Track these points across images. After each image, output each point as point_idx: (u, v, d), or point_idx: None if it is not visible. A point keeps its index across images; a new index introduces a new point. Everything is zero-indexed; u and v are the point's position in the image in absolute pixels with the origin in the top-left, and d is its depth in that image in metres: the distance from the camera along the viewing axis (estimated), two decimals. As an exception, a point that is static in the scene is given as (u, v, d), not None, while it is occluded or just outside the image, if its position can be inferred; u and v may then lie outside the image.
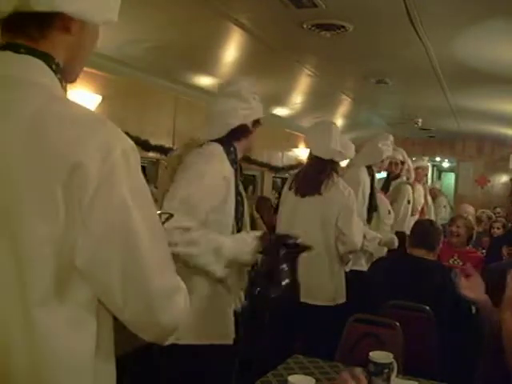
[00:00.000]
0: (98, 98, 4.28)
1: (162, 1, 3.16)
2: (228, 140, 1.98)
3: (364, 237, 3.14)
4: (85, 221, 0.85)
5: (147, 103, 4.96)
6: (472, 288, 1.93)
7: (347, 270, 3.13)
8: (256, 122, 2.05)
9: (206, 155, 1.92)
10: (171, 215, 1.19)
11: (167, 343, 1.01)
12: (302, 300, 2.81)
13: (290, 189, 3.06)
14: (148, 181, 2.54)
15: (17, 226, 0.85)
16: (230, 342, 1.93)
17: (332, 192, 2.92)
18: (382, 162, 3.84)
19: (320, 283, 2.89)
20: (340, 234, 2.91)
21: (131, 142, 0.92)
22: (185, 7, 3.24)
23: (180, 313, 0.97)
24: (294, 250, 1.80)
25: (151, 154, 5.01)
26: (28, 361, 0.86)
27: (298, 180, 3.07)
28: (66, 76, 0.99)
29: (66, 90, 0.99)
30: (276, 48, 4.11)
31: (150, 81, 4.91)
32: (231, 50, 4.30)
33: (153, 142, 4.96)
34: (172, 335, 0.99)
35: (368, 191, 3.60)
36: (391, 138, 3.90)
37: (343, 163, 3.58)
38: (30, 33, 0.92)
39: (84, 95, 4.21)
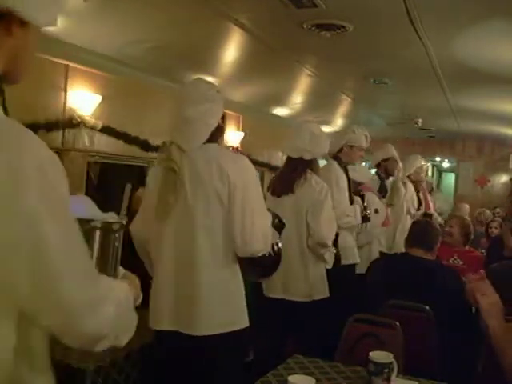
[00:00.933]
0: (98, 98, 4.28)
1: (162, 1, 3.16)
2: (215, 140, 2.13)
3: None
4: None
5: (147, 103, 4.96)
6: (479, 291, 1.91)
7: (328, 266, 3.14)
8: (223, 117, 2.19)
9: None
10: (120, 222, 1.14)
11: (98, 349, 0.99)
12: (280, 296, 2.93)
13: (267, 190, 3.13)
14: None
15: None
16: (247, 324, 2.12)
17: (304, 189, 2.99)
18: (345, 152, 3.73)
19: (295, 280, 2.97)
20: (309, 228, 2.96)
21: (50, 153, 0.91)
22: (185, 7, 3.24)
23: (105, 322, 0.96)
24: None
25: (151, 154, 5.01)
26: None
27: (274, 181, 3.19)
28: (9, 79, 0.98)
29: (4, 97, 0.97)
30: (276, 48, 4.11)
31: (149, 81, 4.91)
32: (231, 50, 4.30)
33: (152, 141, 4.97)
34: (99, 344, 0.98)
35: (344, 182, 3.61)
36: (355, 128, 3.85)
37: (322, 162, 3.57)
38: None
39: (84, 95, 4.21)
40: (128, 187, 1.33)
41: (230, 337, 2.04)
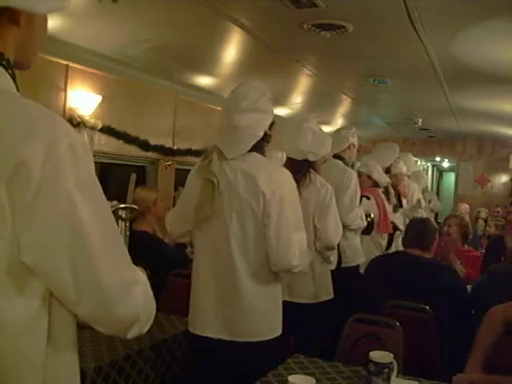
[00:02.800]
0: (98, 98, 4.28)
1: (162, 1, 3.16)
2: (260, 150, 2.16)
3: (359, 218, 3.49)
4: (28, 218, 0.85)
5: (147, 103, 4.96)
6: None
7: (332, 267, 3.15)
8: (271, 124, 2.19)
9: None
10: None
11: (130, 336, 0.99)
12: (286, 299, 2.92)
13: None
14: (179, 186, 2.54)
15: None
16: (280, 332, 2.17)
17: (309, 191, 2.96)
18: (350, 149, 3.87)
19: (302, 282, 2.95)
20: (316, 231, 2.94)
21: (81, 138, 0.93)
22: (185, 7, 3.24)
23: (138, 306, 0.96)
24: None
25: (151, 154, 5.01)
26: None
27: None
28: (20, 66, 1.00)
29: (17, 86, 0.98)
30: (276, 48, 4.11)
31: (149, 81, 4.91)
32: (231, 50, 4.30)
33: (153, 141, 4.97)
34: (133, 328, 0.98)
35: (357, 181, 3.65)
36: (354, 128, 3.98)
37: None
38: None
39: (84, 95, 4.21)
40: (133, 177, 1.34)
41: (269, 344, 2.09)
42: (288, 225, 2.07)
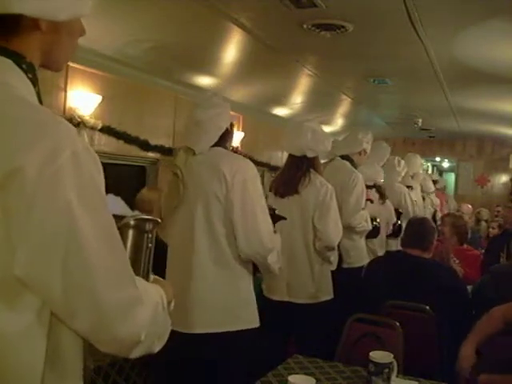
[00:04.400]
0: (98, 98, 4.28)
1: (162, 1, 3.16)
2: (223, 145, 2.25)
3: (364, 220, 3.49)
4: (22, 229, 0.81)
5: (147, 103, 4.96)
6: None
7: (333, 268, 3.15)
8: (232, 125, 2.33)
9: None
10: (152, 219, 1.09)
11: (133, 356, 0.93)
12: (286, 299, 2.89)
13: (270, 190, 3.11)
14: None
15: None
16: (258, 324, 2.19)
17: (308, 190, 2.97)
18: (360, 154, 3.86)
19: (301, 282, 2.96)
20: (316, 231, 2.95)
21: (85, 144, 0.90)
22: (185, 7, 3.24)
23: (141, 327, 0.90)
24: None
25: (151, 154, 5.01)
26: None
27: (276, 181, 3.15)
28: (50, 67, 1.00)
29: (38, 89, 0.98)
30: (276, 48, 4.11)
31: (150, 81, 4.91)
32: (231, 50, 4.30)
33: (153, 141, 4.96)
34: (136, 349, 0.92)
35: (363, 182, 3.65)
36: (371, 134, 3.97)
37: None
38: (0, 31, 0.91)
39: (84, 95, 4.21)
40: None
41: (229, 336, 2.07)
42: (253, 207, 2.10)
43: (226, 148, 2.28)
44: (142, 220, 1.03)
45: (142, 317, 0.90)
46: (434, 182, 6.67)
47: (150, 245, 1.05)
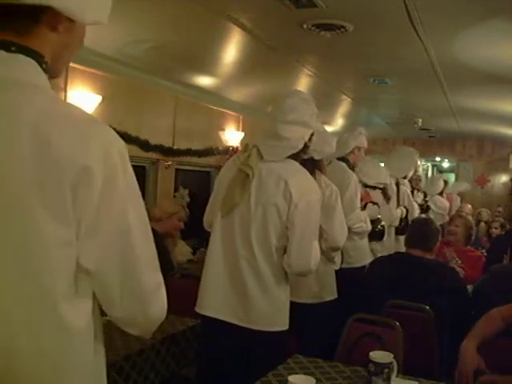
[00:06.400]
0: (98, 98, 4.28)
1: (163, 1, 3.16)
2: (296, 158, 2.26)
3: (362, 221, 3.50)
4: (91, 223, 0.87)
5: (147, 103, 4.96)
6: None
7: (336, 268, 3.15)
8: (311, 136, 2.30)
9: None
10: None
11: (149, 337, 1.07)
12: (290, 299, 2.92)
13: None
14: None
15: (28, 229, 0.85)
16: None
17: None
18: (354, 152, 3.85)
19: (305, 281, 2.94)
20: (322, 232, 2.94)
21: (123, 143, 0.96)
22: (185, 7, 3.24)
23: (164, 306, 1.01)
24: None
25: (151, 154, 5.01)
26: (44, 362, 0.88)
27: None
28: (52, 72, 1.00)
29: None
30: (276, 48, 4.11)
31: (150, 81, 4.91)
32: (231, 50, 4.30)
33: (153, 141, 4.97)
34: (155, 328, 1.03)
35: (357, 182, 3.65)
36: (361, 130, 3.95)
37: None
38: (18, 28, 0.90)
39: (84, 95, 4.21)
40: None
41: (271, 336, 2.17)
42: (310, 232, 2.17)
43: (299, 159, 2.28)
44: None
45: (165, 297, 1.01)
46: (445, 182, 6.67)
47: None
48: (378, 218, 3.89)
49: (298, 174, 2.23)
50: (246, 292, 2.16)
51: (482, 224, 6.90)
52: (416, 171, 5.38)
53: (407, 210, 4.67)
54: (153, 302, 0.97)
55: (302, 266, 2.16)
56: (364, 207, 3.81)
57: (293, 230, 2.13)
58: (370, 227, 3.67)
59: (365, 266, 3.62)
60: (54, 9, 0.90)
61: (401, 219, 4.55)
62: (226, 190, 2.23)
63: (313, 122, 2.27)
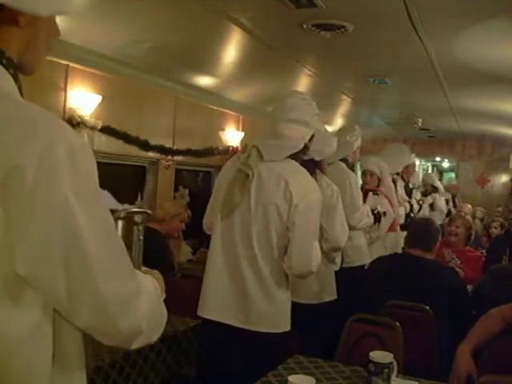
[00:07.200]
0: (98, 98, 4.28)
1: (162, 1, 3.16)
2: (296, 158, 2.24)
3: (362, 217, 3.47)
4: (23, 226, 0.81)
5: (147, 103, 4.96)
6: None
7: (336, 268, 3.15)
8: (312, 137, 2.28)
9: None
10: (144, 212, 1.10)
11: (134, 347, 0.96)
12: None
13: None
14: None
15: None
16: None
17: None
18: (354, 153, 3.88)
19: (305, 282, 2.93)
20: (323, 232, 2.94)
21: (81, 140, 0.89)
22: (185, 7, 3.24)
23: (142, 318, 0.92)
24: None
25: (151, 154, 5.01)
26: None
27: None
28: (22, 69, 0.96)
29: (20, 84, 0.95)
30: (276, 48, 4.11)
31: (150, 81, 4.91)
32: (231, 50, 4.30)
33: (153, 141, 4.97)
34: (136, 340, 0.94)
35: (356, 180, 3.66)
36: (357, 128, 3.98)
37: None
38: None
39: (84, 95, 4.21)
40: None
41: (273, 338, 2.15)
42: (311, 232, 2.17)
43: (299, 159, 2.27)
44: (133, 213, 1.04)
45: (142, 308, 0.91)
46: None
47: (141, 237, 1.07)
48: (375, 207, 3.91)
49: (298, 174, 2.22)
50: (247, 294, 2.15)
51: (477, 221, 6.91)
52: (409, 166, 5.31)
53: (411, 206, 4.71)
54: (120, 313, 0.88)
55: (302, 266, 2.15)
56: (365, 195, 3.84)
57: (293, 230, 2.12)
58: (372, 220, 3.68)
59: (363, 266, 3.62)
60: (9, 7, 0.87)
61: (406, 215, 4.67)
62: (226, 192, 2.21)
63: (314, 122, 2.26)
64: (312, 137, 2.29)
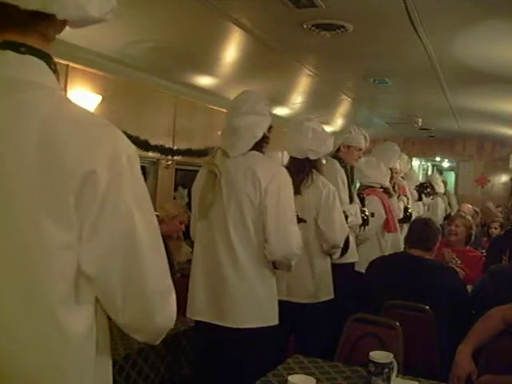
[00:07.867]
0: (98, 98, 4.28)
1: (163, 1, 3.16)
2: (259, 150, 2.31)
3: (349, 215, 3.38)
4: (93, 228, 0.86)
5: (147, 103, 4.97)
6: None
7: (336, 257, 3.17)
8: (270, 128, 2.35)
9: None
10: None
11: (157, 343, 1.03)
12: (286, 299, 2.91)
13: None
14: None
15: (29, 231, 0.84)
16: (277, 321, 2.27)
17: (310, 190, 2.97)
18: (340, 150, 3.73)
19: (301, 281, 2.96)
20: (322, 233, 2.94)
21: (134, 147, 0.93)
22: (185, 7, 3.24)
23: (173, 314, 0.98)
24: None
25: (151, 154, 5.01)
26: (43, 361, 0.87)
27: None
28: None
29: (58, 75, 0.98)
30: (276, 48, 4.11)
31: (149, 81, 4.91)
32: (231, 50, 4.30)
33: (153, 141, 4.97)
34: (163, 336, 1.01)
35: (345, 179, 3.60)
36: (352, 128, 3.87)
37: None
38: (26, 28, 0.90)
39: (84, 95, 4.21)
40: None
41: (256, 332, 2.17)
42: (285, 213, 2.19)
43: (262, 151, 2.33)
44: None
45: (174, 303, 0.98)
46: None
47: None
48: (362, 210, 3.83)
49: (263, 162, 2.28)
50: (230, 292, 2.18)
51: (491, 206, 6.93)
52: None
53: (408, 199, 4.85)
54: (159, 310, 0.95)
55: (283, 250, 2.16)
56: (362, 201, 3.80)
57: (266, 212, 2.16)
58: (360, 220, 3.63)
59: (353, 263, 3.60)
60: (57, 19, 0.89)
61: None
62: (200, 195, 2.30)
63: (265, 110, 2.32)
64: (270, 127, 2.35)
